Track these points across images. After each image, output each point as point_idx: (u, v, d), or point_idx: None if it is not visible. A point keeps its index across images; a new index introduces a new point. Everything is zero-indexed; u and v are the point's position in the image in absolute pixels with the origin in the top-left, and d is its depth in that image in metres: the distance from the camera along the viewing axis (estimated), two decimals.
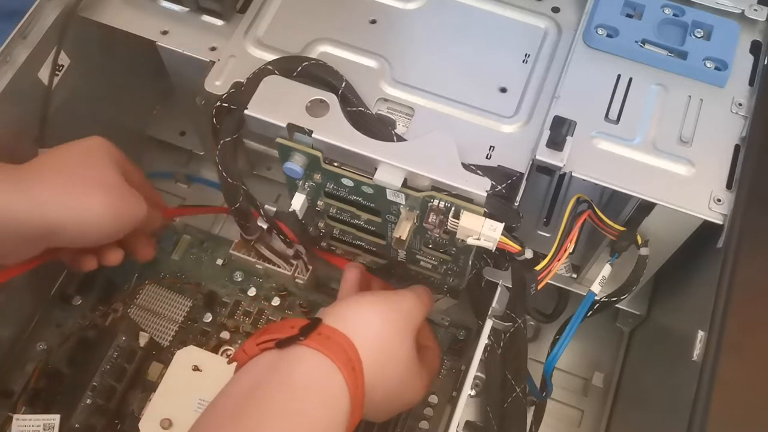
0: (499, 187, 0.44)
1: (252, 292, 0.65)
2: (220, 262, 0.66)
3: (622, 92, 0.48)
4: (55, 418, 0.54)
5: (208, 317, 0.63)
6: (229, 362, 0.45)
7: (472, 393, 0.51)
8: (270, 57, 0.49)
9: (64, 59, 0.54)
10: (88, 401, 0.55)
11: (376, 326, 0.45)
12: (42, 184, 0.45)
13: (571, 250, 0.47)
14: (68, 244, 0.48)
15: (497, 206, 0.44)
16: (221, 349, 0.60)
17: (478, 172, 0.44)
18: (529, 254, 0.46)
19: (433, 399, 0.60)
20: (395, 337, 0.46)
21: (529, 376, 0.51)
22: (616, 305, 0.52)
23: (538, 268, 0.46)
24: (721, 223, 0.44)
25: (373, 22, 0.52)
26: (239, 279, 0.65)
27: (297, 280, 0.62)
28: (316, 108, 0.45)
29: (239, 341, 0.62)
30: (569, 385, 0.63)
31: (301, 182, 0.50)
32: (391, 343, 0.46)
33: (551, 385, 0.52)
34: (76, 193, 0.46)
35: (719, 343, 0.42)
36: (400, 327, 0.47)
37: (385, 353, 0.45)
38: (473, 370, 0.49)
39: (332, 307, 0.47)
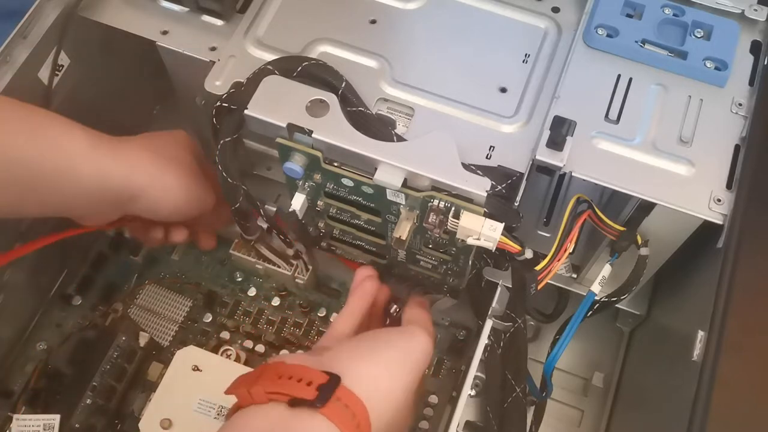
0: (499, 187, 0.44)
1: (252, 292, 0.65)
2: (220, 262, 0.66)
3: (622, 92, 0.48)
4: (55, 418, 0.54)
5: (208, 317, 0.63)
6: (226, 393, 0.42)
7: (472, 393, 0.51)
8: (270, 57, 0.49)
9: (64, 59, 0.54)
10: (88, 401, 0.55)
11: (394, 390, 0.44)
12: (134, 154, 0.50)
13: (571, 250, 0.47)
14: (143, 213, 0.52)
15: (497, 206, 0.44)
16: (221, 349, 0.60)
17: (478, 172, 0.44)
18: (529, 254, 0.46)
19: (433, 399, 0.60)
20: (405, 394, 0.45)
21: (529, 376, 0.51)
22: (616, 305, 0.52)
23: (538, 268, 0.46)
24: (721, 223, 0.44)
25: (373, 22, 0.52)
26: (239, 279, 0.65)
27: (297, 280, 0.62)
28: (316, 108, 0.45)
29: (239, 341, 0.63)
30: (569, 385, 0.63)
31: (301, 182, 0.50)
32: (400, 400, 0.44)
33: (551, 385, 0.52)
34: (159, 165, 0.51)
35: (719, 343, 0.42)
36: (412, 382, 0.45)
37: (393, 411, 0.44)
38: (473, 370, 0.49)
39: (353, 359, 0.43)
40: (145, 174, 0.50)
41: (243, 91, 0.46)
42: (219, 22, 0.53)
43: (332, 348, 0.45)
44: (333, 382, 0.40)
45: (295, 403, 0.39)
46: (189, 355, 0.55)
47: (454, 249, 0.52)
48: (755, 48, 0.50)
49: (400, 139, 0.46)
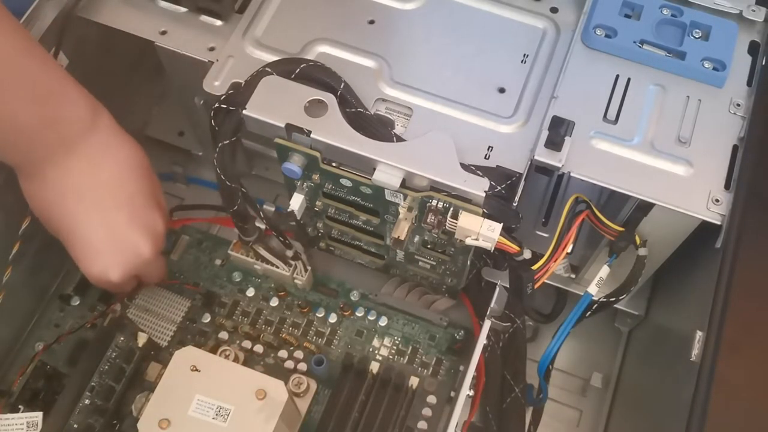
0: (498, 188, 0.44)
1: (251, 292, 0.65)
2: (218, 262, 0.66)
3: (621, 92, 0.48)
4: (37, 416, 0.54)
5: (207, 317, 0.63)
6: None
7: (471, 393, 0.51)
8: (268, 57, 0.49)
9: (63, 59, 0.54)
10: (87, 401, 0.55)
11: None
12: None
13: (569, 251, 0.47)
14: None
15: (496, 206, 0.44)
16: (220, 350, 0.60)
17: (477, 172, 0.44)
18: (527, 254, 0.46)
19: (432, 399, 0.59)
20: None
21: (530, 386, 0.51)
22: (615, 305, 0.52)
23: (534, 267, 0.46)
24: (719, 223, 0.44)
25: (372, 22, 0.52)
26: (238, 279, 0.65)
27: (296, 280, 0.62)
28: (315, 108, 0.45)
29: (237, 341, 0.62)
30: (568, 386, 0.63)
31: (299, 182, 0.50)
32: None
33: (546, 387, 0.52)
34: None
35: (717, 344, 0.42)
36: None
37: None
38: (472, 370, 0.49)
39: None
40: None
41: (241, 93, 0.46)
42: (217, 23, 0.53)
43: None
44: None
45: None
46: (187, 355, 0.55)
47: (452, 249, 0.52)
48: (753, 48, 0.50)
49: (399, 139, 0.46)
